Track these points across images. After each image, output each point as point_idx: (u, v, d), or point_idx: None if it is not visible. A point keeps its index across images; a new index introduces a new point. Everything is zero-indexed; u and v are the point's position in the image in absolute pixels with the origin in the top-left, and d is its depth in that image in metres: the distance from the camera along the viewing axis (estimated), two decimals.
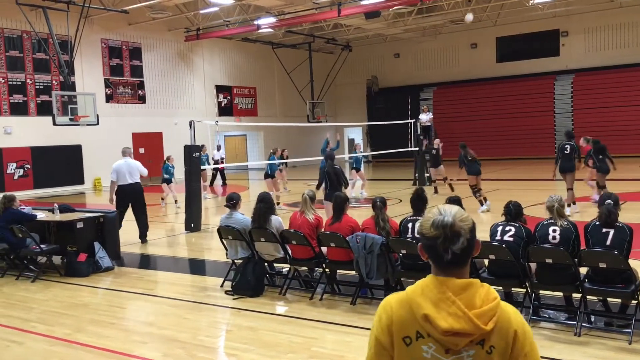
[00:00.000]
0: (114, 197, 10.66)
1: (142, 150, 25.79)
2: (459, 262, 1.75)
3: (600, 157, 13.10)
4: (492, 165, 27.05)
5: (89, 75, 24.11)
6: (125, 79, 25.72)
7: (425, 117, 20.64)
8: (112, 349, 5.44)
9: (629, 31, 28.33)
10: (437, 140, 16.94)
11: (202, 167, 16.04)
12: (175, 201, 15.86)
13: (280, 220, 7.34)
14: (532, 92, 30.43)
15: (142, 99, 26.41)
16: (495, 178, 20.36)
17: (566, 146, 12.21)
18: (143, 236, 10.95)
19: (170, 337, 5.75)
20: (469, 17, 19.68)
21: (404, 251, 6.25)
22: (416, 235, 5.83)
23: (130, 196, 10.65)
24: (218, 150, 20.91)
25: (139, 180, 10.76)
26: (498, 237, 5.86)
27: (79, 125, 19.70)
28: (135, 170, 10.67)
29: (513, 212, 6.03)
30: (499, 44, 31.81)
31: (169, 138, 26.36)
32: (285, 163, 18.11)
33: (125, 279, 8.36)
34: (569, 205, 12.17)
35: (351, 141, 36.94)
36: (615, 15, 28.29)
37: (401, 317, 1.76)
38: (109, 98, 24.94)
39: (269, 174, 15.73)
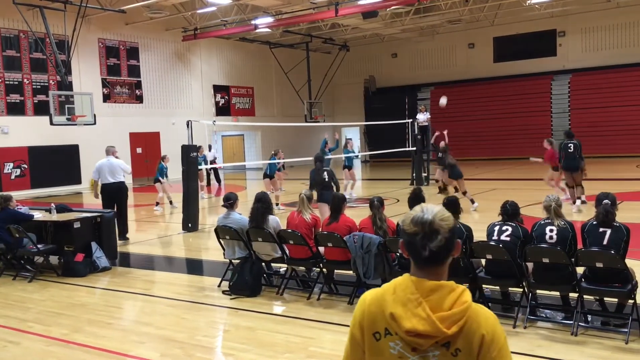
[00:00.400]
0: (99, 194, 10.79)
1: (139, 150, 25.77)
2: (436, 260, 1.77)
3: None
4: (490, 165, 27.08)
5: (86, 75, 24.07)
6: (123, 78, 25.69)
7: (422, 117, 20.66)
8: (110, 349, 5.44)
9: (626, 31, 28.39)
10: (442, 143, 16.69)
11: (199, 168, 16.09)
12: (170, 202, 15.85)
13: (278, 220, 7.35)
14: (529, 92, 30.46)
15: (139, 99, 26.37)
16: (492, 178, 20.39)
17: (569, 145, 12.27)
18: (121, 235, 10.80)
19: (168, 337, 5.75)
20: (443, 101, 20.00)
21: (400, 251, 6.25)
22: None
23: (112, 195, 10.67)
24: (210, 150, 20.85)
25: (121, 179, 10.72)
26: (495, 237, 5.88)
27: (76, 125, 19.67)
28: (117, 169, 10.67)
29: (510, 211, 6.04)
30: (497, 44, 31.84)
31: (166, 138, 26.32)
32: (283, 164, 18.06)
33: (122, 279, 8.36)
34: (578, 198, 12.26)
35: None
36: (613, 16, 28.35)
37: (372, 313, 1.81)
38: (106, 98, 24.90)
39: (268, 174, 15.74)
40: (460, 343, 1.72)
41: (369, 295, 1.87)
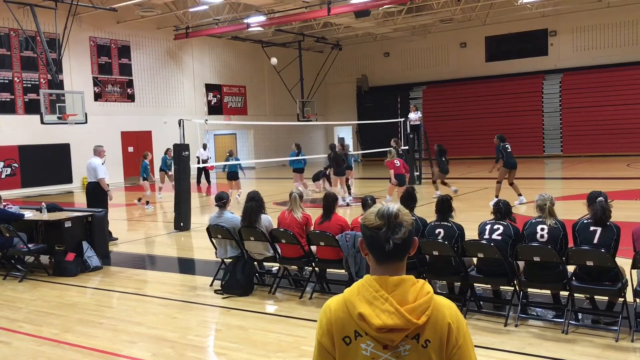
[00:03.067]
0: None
1: (130, 149, 25.67)
2: (398, 254, 1.81)
3: (443, 159, 15.32)
4: (481, 164, 27.15)
5: (77, 74, 23.94)
6: (114, 77, 25.58)
7: (414, 116, 20.69)
8: (101, 348, 5.42)
9: (617, 31, 28.55)
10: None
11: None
12: (147, 202, 15.96)
13: (270, 219, 7.34)
14: (521, 92, 30.60)
15: (131, 98, 26.27)
16: (483, 177, 20.44)
17: (507, 146, 13.99)
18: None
19: (160, 336, 5.74)
20: (274, 60, 24.76)
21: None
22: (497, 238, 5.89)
23: (89, 195, 10.75)
24: (204, 149, 20.78)
25: (94, 180, 10.67)
26: (486, 236, 5.90)
27: (67, 123, 19.56)
28: (91, 170, 10.69)
29: (502, 210, 6.06)
30: (488, 44, 31.94)
31: (158, 137, 26.23)
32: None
33: (113, 278, 8.32)
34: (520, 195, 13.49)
35: (341, 140, 36.98)
36: (604, 15, 28.50)
37: (339, 319, 1.82)
38: (97, 96, 24.78)
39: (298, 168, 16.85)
40: (429, 334, 1.77)
41: (333, 302, 1.87)
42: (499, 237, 5.82)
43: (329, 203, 7.04)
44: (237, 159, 17.17)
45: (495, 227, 5.93)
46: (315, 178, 18.17)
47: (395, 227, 1.80)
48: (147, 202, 15.78)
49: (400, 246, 1.80)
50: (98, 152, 10.96)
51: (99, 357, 5.24)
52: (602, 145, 28.02)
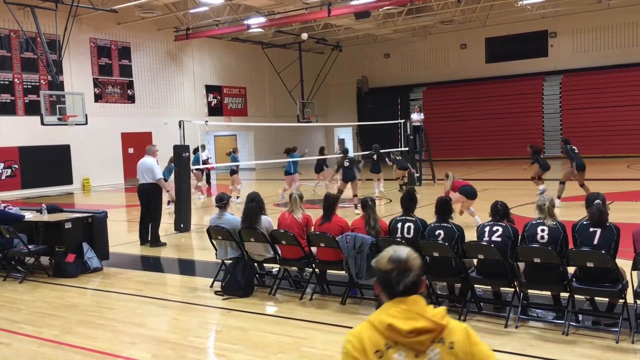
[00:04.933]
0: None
1: (131, 150, 25.68)
2: (408, 295, 2.01)
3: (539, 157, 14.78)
4: (481, 165, 27.18)
5: (78, 75, 23.96)
6: (115, 78, 25.60)
7: (417, 117, 20.69)
8: (101, 350, 5.41)
9: (617, 32, 28.56)
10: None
11: (198, 168, 16.18)
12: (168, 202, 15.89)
13: (270, 220, 7.34)
14: (521, 93, 30.61)
15: (131, 99, 26.29)
16: (483, 178, 20.46)
17: (574, 147, 13.24)
18: (151, 239, 10.68)
19: (160, 337, 5.73)
20: (304, 35, 26.63)
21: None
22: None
23: (142, 196, 10.65)
24: (203, 150, 20.71)
25: (150, 181, 10.52)
26: (486, 238, 5.89)
27: (67, 125, 19.57)
28: (146, 171, 10.53)
29: (501, 212, 6.07)
30: (488, 45, 31.97)
31: (158, 138, 26.22)
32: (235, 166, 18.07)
33: (114, 279, 8.32)
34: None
35: (341, 141, 36.99)
36: (604, 17, 28.52)
37: (370, 337, 1.97)
38: (97, 98, 24.80)
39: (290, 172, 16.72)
40: (452, 336, 1.97)
41: (355, 331, 2.02)
42: (499, 239, 5.82)
43: (329, 204, 7.04)
44: (235, 159, 17.38)
45: (495, 228, 5.93)
46: (319, 169, 18.35)
47: (405, 271, 2.01)
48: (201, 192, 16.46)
49: (410, 288, 2.01)
50: (152, 152, 10.71)
51: (99, 358, 5.24)
52: (602, 146, 28.02)
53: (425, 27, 31.25)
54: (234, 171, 17.56)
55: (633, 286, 5.36)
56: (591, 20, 28.87)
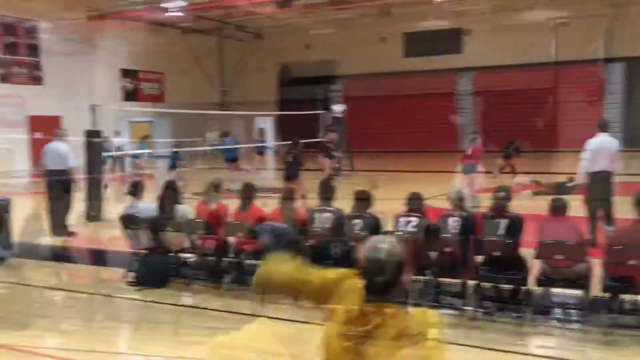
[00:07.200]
0: None
1: (38, 135, 24.36)
2: (384, 290, 2.12)
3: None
4: (397, 157, 27.86)
5: None
6: (21, 58, 24.16)
7: (338, 108, 20.90)
8: (5, 343, 5.14)
9: (530, 31, 29.76)
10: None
11: (111, 154, 15.54)
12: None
13: (186, 209, 7.21)
14: (437, 88, 31.58)
15: (38, 80, 24.92)
16: (398, 170, 20.98)
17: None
18: (59, 228, 10.20)
19: (69, 331, 5.52)
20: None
21: (310, 242, 6.32)
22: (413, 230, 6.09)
23: (50, 183, 10.17)
24: (118, 136, 19.95)
25: (61, 167, 9.96)
26: (401, 228, 6.07)
27: None
28: (57, 156, 10.01)
29: (415, 203, 6.27)
30: (406, 40, 32.73)
31: (69, 123, 25.03)
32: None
33: (19, 271, 7.91)
34: None
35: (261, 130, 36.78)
36: (516, 15, 29.66)
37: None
38: (2, 78, 23.35)
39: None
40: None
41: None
42: (415, 229, 6.01)
43: (247, 193, 7.00)
44: (231, 141, 16.93)
45: (409, 219, 6.12)
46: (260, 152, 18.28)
47: (379, 271, 2.10)
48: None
49: (384, 286, 2.11)
50: (62, 136, 10.10)
51: (3, 354, 4.97)
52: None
53: (347, 19, 31.54)
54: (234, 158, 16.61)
55: (535, 274, 5.69)
56: (505, 18, 29.97)
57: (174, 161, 15.70)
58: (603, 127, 8.38)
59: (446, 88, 31.82)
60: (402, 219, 6.16)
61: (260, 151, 17.93)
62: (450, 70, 31.71)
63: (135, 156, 16.80)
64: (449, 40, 31.65)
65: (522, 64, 29.70)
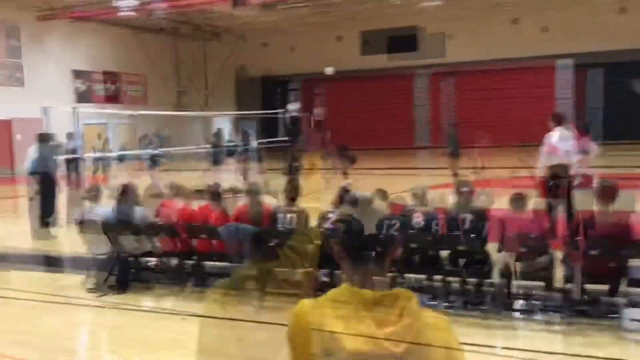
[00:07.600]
0: None
1: None
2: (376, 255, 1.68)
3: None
4: (359, 154, 27.97)
5: None
6: None
7: (293, 107, 20.84)
8: None
9: (493, 29, 30.23)
10: None
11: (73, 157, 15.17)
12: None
13: (145, 211, 7.03)
14: (394, 86, 31.90)
15: None
16: (364, 167, 21.06)
17: None
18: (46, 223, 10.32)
19: (26, 341, 5.30)
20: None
21: (275, 241, 6.26)
22: (330, 226, 6.00)
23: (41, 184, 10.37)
24: (70, 138, 19.32)
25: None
26: (328, 225, 6.07)
27: None
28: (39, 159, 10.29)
29: (351, 199, 6.30)
30: (364, 38, 32.90)
31: (18, 125, 24.26)
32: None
33: None
34: None
35: (219, 131, 36.42)
36: (480, 14, 30.10)
37: (312, 325, 1.61)
38: None
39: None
40: None
41: (308, 304, 1.64)
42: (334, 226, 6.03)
43: (213, 194, 6.90)
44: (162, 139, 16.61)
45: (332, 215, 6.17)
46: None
47: (369, 215, 1.68)
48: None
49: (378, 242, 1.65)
50: (47, 138, 10.20)
51: None
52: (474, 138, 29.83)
53: (304, 17, 31.48)
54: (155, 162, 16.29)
55: (499, 268, 5.76)
56: (465, 17, 30.42)
57: (155, 161, 15.47)
58: (558, 121, 8.55)
59: (404, 85, 32.15)
60: (331, 215, 6.18)
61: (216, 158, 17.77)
62: (409, 69, 32.04)
63: (120, 159, 16.46)
64: (408, 38, 31.94)
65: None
